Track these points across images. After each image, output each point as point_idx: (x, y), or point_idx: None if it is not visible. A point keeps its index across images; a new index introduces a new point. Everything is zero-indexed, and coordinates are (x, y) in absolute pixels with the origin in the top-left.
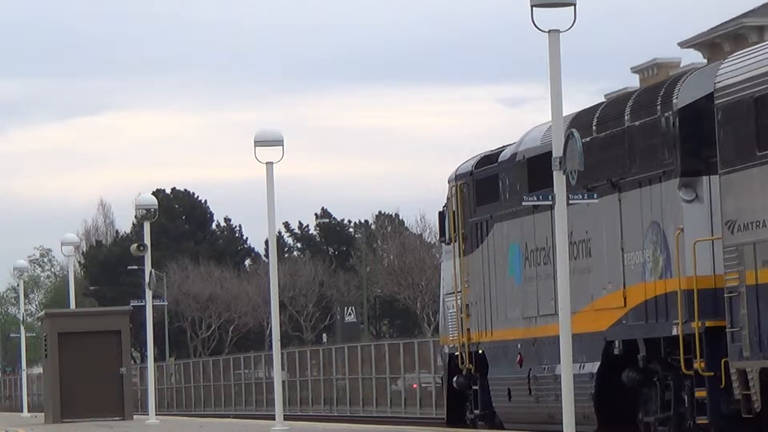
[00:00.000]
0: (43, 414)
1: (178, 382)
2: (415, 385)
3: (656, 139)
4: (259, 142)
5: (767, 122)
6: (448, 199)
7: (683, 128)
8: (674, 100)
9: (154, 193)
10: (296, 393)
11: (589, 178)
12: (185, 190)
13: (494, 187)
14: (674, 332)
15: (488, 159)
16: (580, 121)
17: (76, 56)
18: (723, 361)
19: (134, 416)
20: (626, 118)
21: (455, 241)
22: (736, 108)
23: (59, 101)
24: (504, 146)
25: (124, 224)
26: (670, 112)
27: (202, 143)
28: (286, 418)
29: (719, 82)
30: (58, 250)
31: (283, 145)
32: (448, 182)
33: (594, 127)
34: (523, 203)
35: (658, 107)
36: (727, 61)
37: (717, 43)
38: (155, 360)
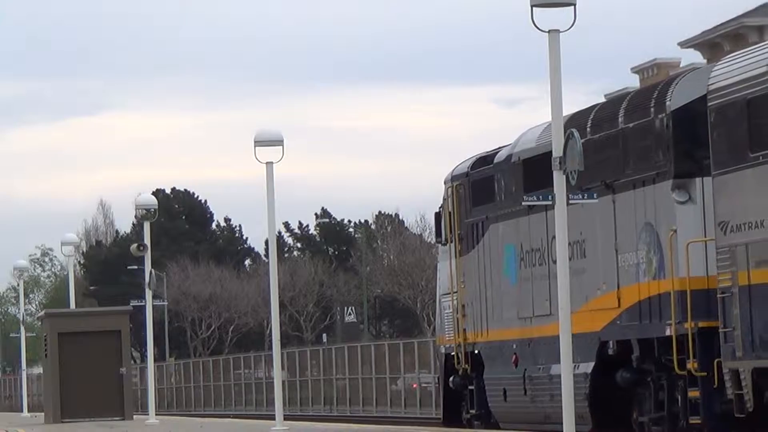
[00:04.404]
0: (43, 414)
1: (178, 382)
2: (415, 385)
3: (650, 140)
4: (259, 142)
5: (759, 124)
6: (444, 200)
7: (676, 130)
8: (667, 102)
9: (154, 193)
10: (296, 393)
11: (583, 180)
12: (185, 190)
13: (490, 188)
14: (667, 333)
15: (484, 160)
16: (575, 122)
17: (75, 56)
18: (716, 361)
19: (134, 416)
20: (620, 119)
21: (451, 242)
22: (729, 110)
23: (59, 101)
24: (499, 147)
25: (124, 224)
26: (664, 114)
27: (201, 143)
28: (286, 418)
29: (712, 84)
30: (59, 249)
31: (283, 145)
32: (444, 183)
33: (588, 129)
34: (523, 203)
35: (652, 109)
36: (719, 63)
37: (717, 43)
38: (155, 360)
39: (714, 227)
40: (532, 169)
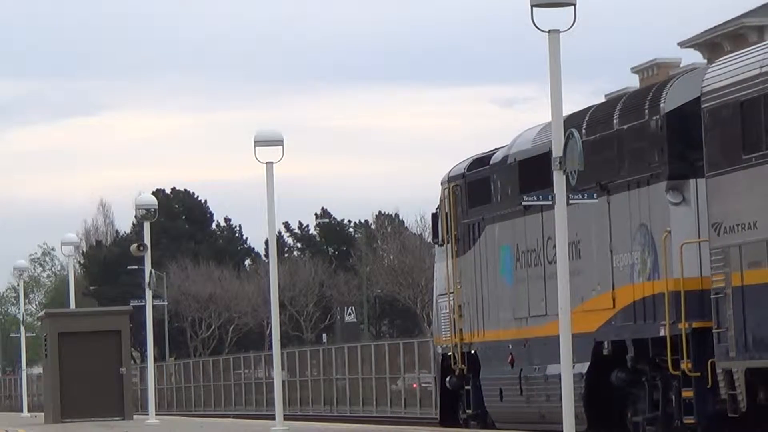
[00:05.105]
0: (43, 414)
1: (178, 382)
2: (415, 385)
3: (644, 142)
4: (259, 142)
5: (752, 126)
6: (440, 200)
7: (671, 132)
8: (662, 104)
9: (154, 193)
10: (296, 393)
11: (578, 181)
12: (185, 190)
13: (486, 190)
14: (662, 333)
15: (480, 161)
16: (570, 123)
17: (75, 56)
18: (709, 361)
19: (134, 416)
20: (615, 121)
21: (448, 243)
22: (723, 112)
23: (59, 101)
24: (496, 149)
25: (124, 224)
26: (658, 116)
27: (202, 143)
28: (286, 418)
29: (706, 86)
30: (59, 249)
31: (283, 145)
32: (441, 184)
33: (584, 130)
34: (523, 203)
35: (646, 111)
36: (714, 65)
37: (717, 43)
38: (155, 360)
39: (708, 228)
40: (528, 170)
